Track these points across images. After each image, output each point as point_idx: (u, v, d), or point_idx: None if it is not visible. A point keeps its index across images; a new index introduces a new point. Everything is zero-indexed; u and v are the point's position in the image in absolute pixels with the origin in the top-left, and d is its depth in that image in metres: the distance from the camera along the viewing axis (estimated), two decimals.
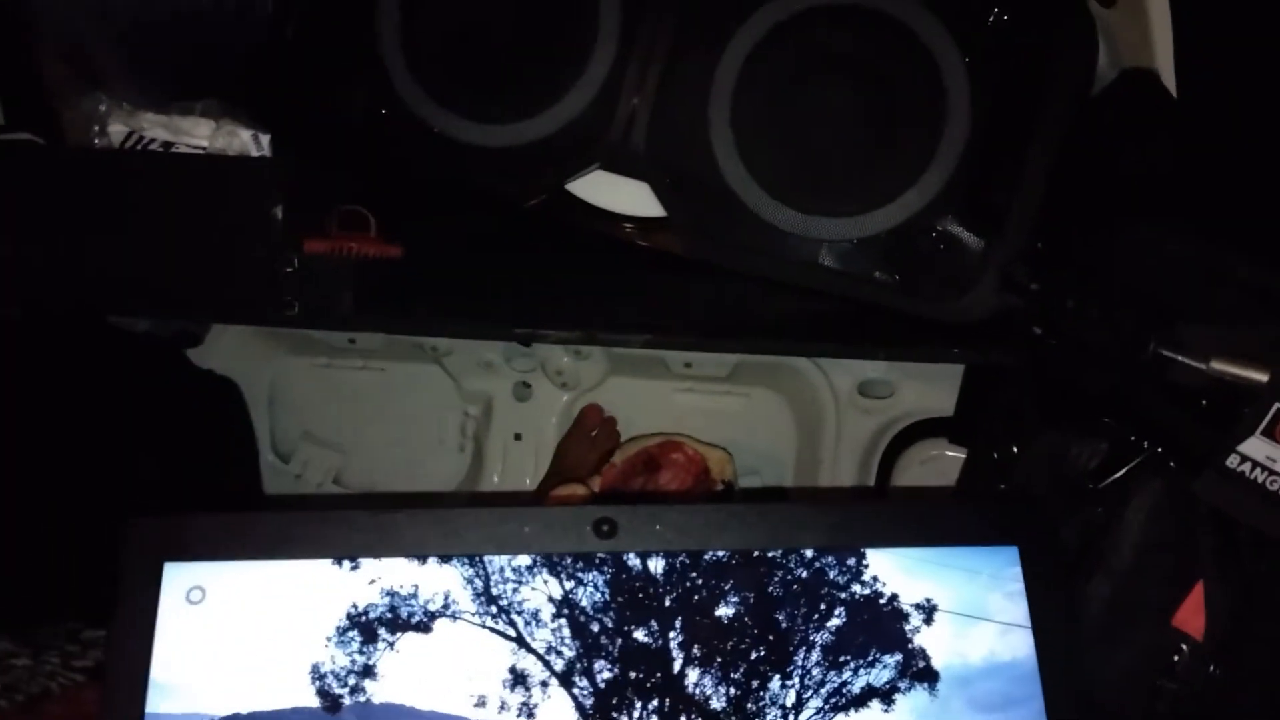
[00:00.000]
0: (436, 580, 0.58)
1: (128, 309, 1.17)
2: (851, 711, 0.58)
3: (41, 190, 1.05)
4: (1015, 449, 0.91)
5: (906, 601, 0.61)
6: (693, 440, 1.17)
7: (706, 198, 1.03)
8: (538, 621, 0.59)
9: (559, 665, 0.58)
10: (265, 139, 1.07)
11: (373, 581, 0.58)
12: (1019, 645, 0.60)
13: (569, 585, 0.59)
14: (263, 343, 1.50)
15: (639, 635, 0.59)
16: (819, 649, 0.59)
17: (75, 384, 1.19)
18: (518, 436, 1.55)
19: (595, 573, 0.60)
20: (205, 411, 1.29)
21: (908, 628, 0.60)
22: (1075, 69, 1.03)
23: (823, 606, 0.60)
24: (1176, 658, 0.78)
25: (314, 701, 0.55)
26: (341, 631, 0.57)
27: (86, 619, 0.97)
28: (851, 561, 0.61)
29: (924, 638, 0.60)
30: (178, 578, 0.56)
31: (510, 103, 1.05)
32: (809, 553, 0.60)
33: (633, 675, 0.58)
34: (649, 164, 1.04)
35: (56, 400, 1.17)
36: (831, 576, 0.60)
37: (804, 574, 0.60)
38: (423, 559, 0.58)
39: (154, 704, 0.54)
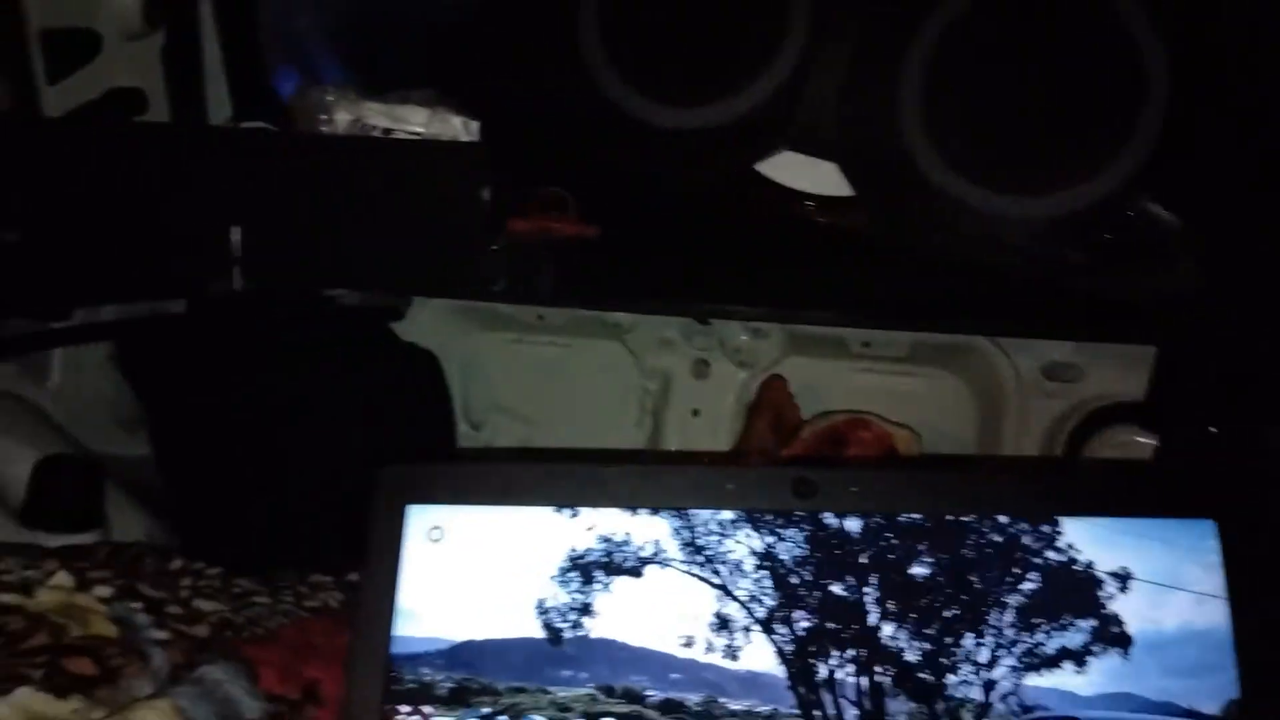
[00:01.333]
0: (647, 530, 0.63)
1: (347, 284, 1.26)
2: (1044, 671, 0.60)
3: (275, 173, 1.15)
4: (1213, 431, 0.90)
5: (1101, 569, 0.62)
6: (880, 419, 1.19)
7: (894, 177, 1.05)
8: (740, 572, 0.63)
9: (760, 613, 0.62)
10: (475, 125, 1.14)
11: (590, 528, 0.63)
12: (1214, 615, 0.60)
13: (769, 540, 0.63)
14: (459, 318, 1.59)
15: (836, 589, 0.62)
16: (1012, 610, 0.61)
17: (295, 353, 1.30)
18: (695, 413, 1.58)
19: (794, 529, 0.63)
20: (410, 380, 1.38)
21: (1101, 594, 0.62)
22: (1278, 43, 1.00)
23: (1016, 570, 0.62)
24: None
25: (539, 633, 0.61)
26: (562, 572, 0.62)
27: (315, 565, 1.07)
28: (1046, 528, 0.62)
29: (1118, 604, 0.61)
30: (420, 518, 0.62)
31: (703, 87, 1.09)
32: (1004, 518, 0.63)
33: (830, 626, 0.62)
34: (837, 144, 1.06)
35: (276, 368, 1.28)
36: (1026, 542, 0.62)
37: (998, 539, 0.62)
38: (634, 510, 0.63)
39: (400, 628, 0.61)
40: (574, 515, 0.63)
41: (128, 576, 0.92)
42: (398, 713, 0.59)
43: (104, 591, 0.88)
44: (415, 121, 1.12)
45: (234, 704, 0.78)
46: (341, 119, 1.14)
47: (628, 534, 0.63)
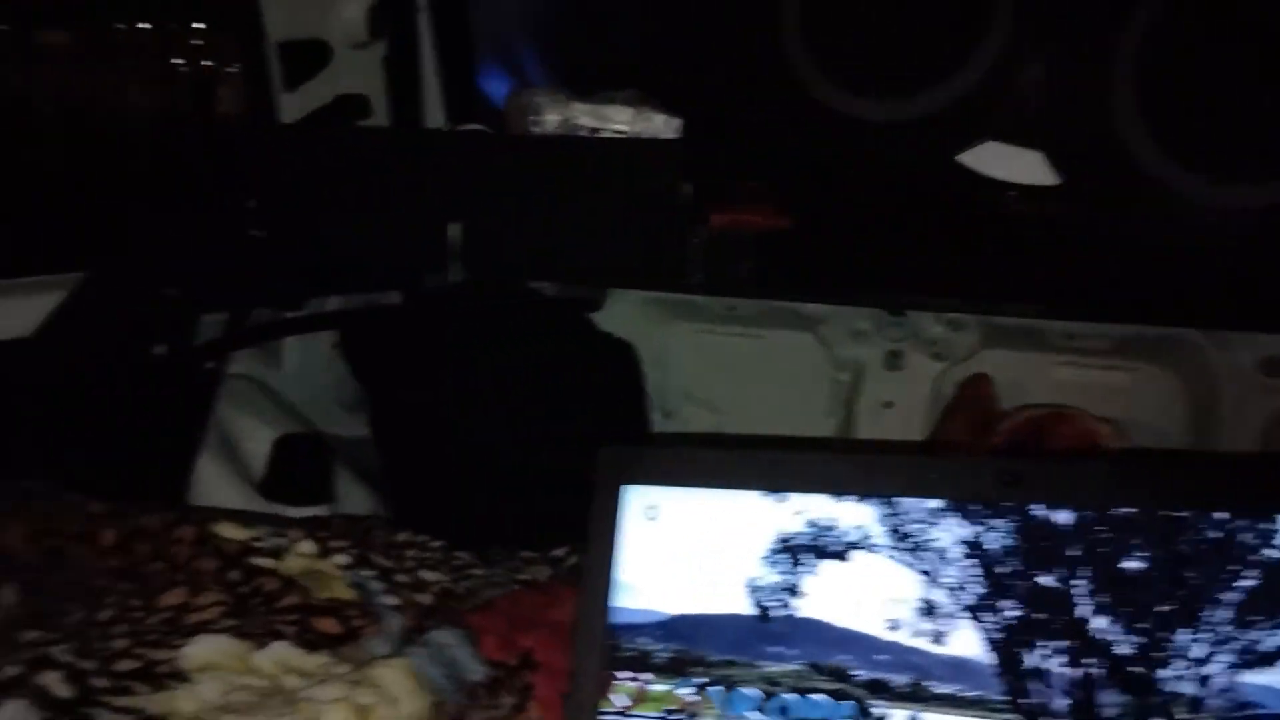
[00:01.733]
0: (853, 515, 0.65)
1: (555, 277, 1.33)
2: (1260, 668, 0.59)
3: (490, 173, 1.22)
4: None
5: None
6: (1083, 413, 1.16)
7: (1105, 165, 1.03)
8: (945, 559, 0.64)
9: (966, 600, 0.63)
10: (677, 123, 1.18)
11: (798, 513, 0.65)
12: None
13: (975, 529, 0.64)
14: (652, 309, 1.64)
15: (1044, 580, 0.63)
16: (1228, 607, 0.60)
17: (502, 343, 1.37)
18: (887, 405, 1.58)
19: (1001, 519, 0.64)
20: (608, 369, 1.43)
21: None
22: None
23: (1233, 566, 0.61)
24: None
25: (749, 610, 0.64)
26: (771, 553, 0.65)
27: (523, 541, 1.14)
28: (1265, 524, 0.61)
29: None
30: (638, 497, 0.66)
31: (906, 79, 1.09)
32: (1221, 514, 0.62)
33: (1038, 616, 0.62)
34: (1044, 133, 1.05)
35: (485, 357, 1.35)
36: (1243, 538, 0.61)
37: (1214, 534, 0.62)
38: (841, 496, 0.65)
39: (619, 600, 0.65)
40: (782, 500, 0.66)
41: (361, 547, 1.00)
42: (617, 678, 0.63)
43: (342, 559, 0.97)
44: (620, 120, 1.16)
45: (460, 667, 0.85)
46: (550, 120, 1.20)
47: (834, 519, 0.65)
